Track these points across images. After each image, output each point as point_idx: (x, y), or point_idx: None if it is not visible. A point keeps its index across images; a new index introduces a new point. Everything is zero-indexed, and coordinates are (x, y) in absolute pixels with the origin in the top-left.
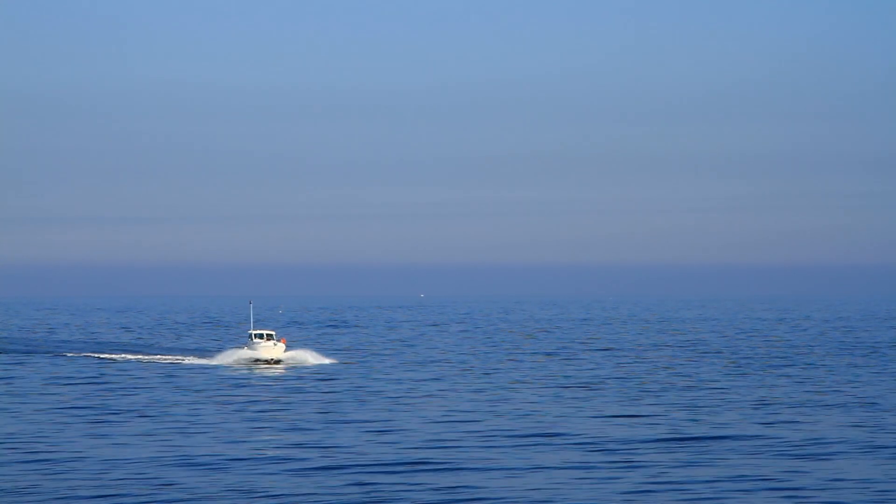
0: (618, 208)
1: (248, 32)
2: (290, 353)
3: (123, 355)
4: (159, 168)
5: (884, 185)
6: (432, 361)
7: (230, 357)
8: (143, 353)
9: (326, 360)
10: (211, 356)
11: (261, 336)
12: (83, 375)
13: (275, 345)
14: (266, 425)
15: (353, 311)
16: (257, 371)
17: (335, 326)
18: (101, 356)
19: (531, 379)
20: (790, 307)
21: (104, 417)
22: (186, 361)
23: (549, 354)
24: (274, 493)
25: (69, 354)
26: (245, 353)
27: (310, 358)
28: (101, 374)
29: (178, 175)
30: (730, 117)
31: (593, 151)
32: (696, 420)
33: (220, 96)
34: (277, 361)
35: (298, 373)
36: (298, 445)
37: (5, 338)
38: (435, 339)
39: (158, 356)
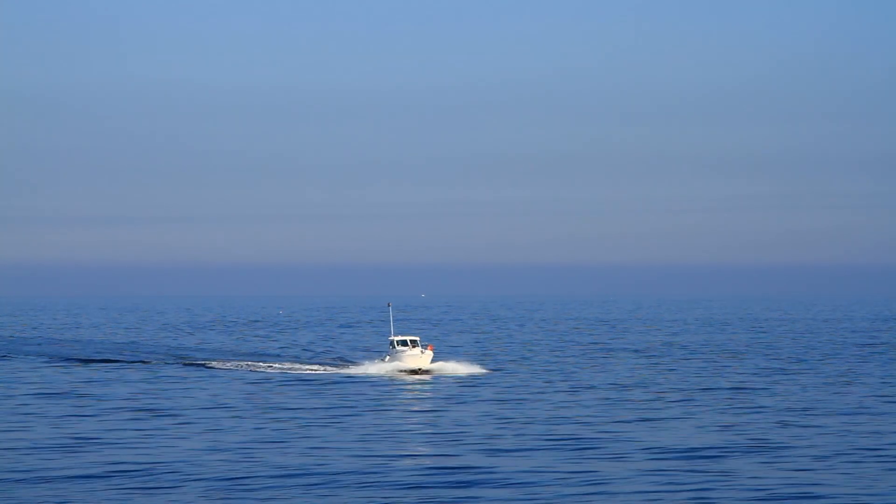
0: (618, 208)
1: (249, 32)
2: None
3: (271, 364)
4: (159, 168)
5: (884, 185)
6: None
7: (375, 367)
8: (274, 362)
9: (476, 369)
10: (344, 365)
11: (405, 343)
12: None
13: (422, 353)
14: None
15: (361, 312)
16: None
17: (349, 326)
18: (236, 365)
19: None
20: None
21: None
22: (333, 371)
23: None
24: None
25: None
26: (389, 363)
27: (457, 366)
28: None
29: (178, 175)
30: (730, 117)
31: (593, 151)
32: None
33: (220, 96)
34: (426, 372)
35: (511, 381)
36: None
37: (104, 343)
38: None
39: (295, 366)
